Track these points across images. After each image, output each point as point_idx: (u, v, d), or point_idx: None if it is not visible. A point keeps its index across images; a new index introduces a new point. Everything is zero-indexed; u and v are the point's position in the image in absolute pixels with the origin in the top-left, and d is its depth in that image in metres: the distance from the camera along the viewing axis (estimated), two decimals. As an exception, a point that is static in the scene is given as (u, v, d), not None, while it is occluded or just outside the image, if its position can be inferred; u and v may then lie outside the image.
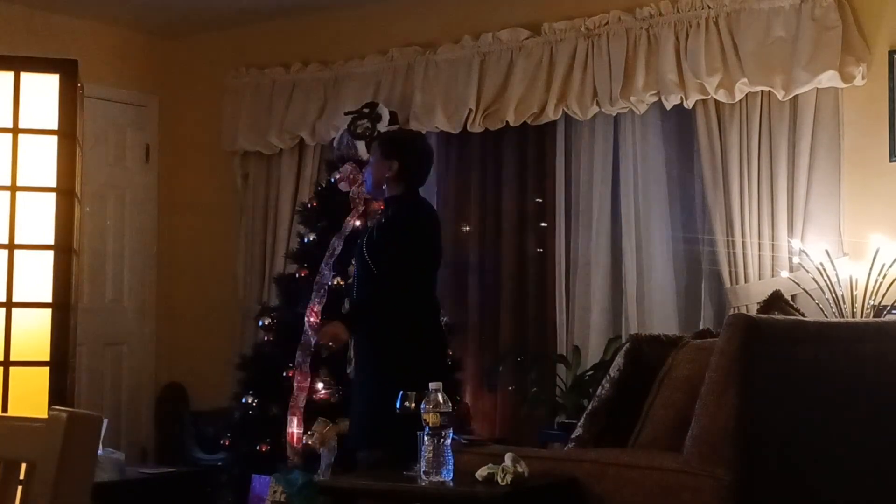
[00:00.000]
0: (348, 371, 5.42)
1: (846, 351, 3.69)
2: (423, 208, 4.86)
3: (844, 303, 4.86)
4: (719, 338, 3.37)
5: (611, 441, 3.71)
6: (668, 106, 5.50)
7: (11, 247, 3.80)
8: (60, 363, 3.81)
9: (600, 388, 3.85)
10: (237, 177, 6.94)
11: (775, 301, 4.60)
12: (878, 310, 4.78)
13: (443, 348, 4.98)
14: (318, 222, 5.97)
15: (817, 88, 5.13)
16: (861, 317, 4.80)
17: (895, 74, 5.03)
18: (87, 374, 6.65)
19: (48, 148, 3.84)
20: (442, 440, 3.35)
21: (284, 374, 5.70)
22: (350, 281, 5.02)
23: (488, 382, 6.09)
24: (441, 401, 3.37)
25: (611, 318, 5.82)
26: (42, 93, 3.86)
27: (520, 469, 3.33)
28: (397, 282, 4.65)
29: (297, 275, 5.94)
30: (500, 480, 3.31)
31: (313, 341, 5.09)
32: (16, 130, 3.82)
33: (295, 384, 5.65)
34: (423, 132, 5.86)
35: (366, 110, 6.09)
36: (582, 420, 3.84)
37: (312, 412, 5.55)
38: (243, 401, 5.91)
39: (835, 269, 4.88)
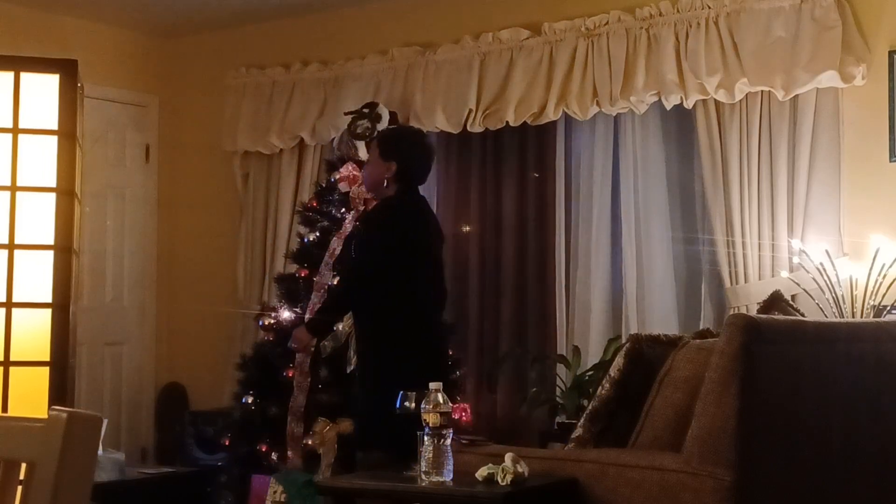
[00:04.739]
0: (348, 370, 5.43)
1: (846, 351, 3.69)
2: (399, 205, 4.77)
3: (844, 303, 4.86)
4: (719, 338, 3.36)
5: (611, 441, 3.71)
6: (668, 106, 5.49)
7: (11, 247, 3.79)
8: (60, 363, 3.81)
9: (600, 388, 3.85)
10: (237, 177, 6.94)
11: (775, 301, 4.59)
12: (878, 310, 4.77)
13: (434, 345, 4.91)
14: (318, 222, 5.98)
15: (817, 88, 5.12)
16: (861, 317, 4.80)
17: (895, 74, 5.03)
18: (87, 374, 6.65)
19: (48, 148, 3.83)
20: (442, 440, 3.35)
21: (284, 374, 5.70)
22: None
23: (488, 382, 6.08)
24: (441, 401, 3.36)
25: (611, 318, 5.83)
26: (42, 93, 3.85)
27: (520, 469, 3.32)
28: (356, 279, 4.78)
29: (297, 275, 5.94)
30: (500, 480, 3.31)
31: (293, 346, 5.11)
32: (16, 130, 3.81)
33: (295, 384, 5.65)
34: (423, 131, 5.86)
35: (366, 110, 6.08)
36: (582, 420, 3.83)
37: (312, 412, 5.55)
38: (243, 401, 5.91)
39: (835, 269, 4.87)
